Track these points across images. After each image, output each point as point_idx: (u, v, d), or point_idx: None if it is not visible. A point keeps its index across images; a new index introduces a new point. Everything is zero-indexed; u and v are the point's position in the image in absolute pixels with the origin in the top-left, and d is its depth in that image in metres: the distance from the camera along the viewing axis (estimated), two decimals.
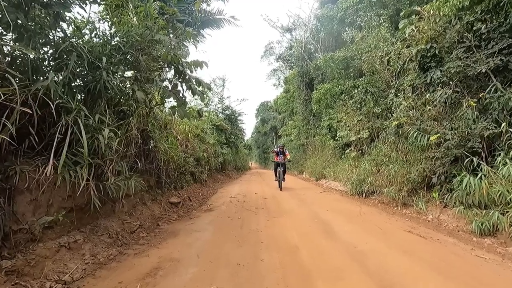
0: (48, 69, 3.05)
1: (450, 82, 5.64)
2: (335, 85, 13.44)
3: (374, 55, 9.34)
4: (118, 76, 3.57)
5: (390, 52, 8.73)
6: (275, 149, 11.21)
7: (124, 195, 3.94)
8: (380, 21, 10.01)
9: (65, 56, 2.96)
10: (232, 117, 21.37)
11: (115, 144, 3.38)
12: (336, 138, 12.29)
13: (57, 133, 2.70)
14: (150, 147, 4.75)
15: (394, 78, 8.88)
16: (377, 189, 7.94)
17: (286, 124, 26.84)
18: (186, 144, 9.56)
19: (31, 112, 2.43)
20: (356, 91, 10.94)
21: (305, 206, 6.64)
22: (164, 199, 6.17)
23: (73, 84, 3.32)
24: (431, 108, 6.23)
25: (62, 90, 2.86)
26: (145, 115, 5.02)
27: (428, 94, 6.17)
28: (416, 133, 5.82)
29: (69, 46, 3.01)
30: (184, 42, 12.78)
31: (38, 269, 2.50)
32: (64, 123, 2.75)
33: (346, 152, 11.36)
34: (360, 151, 10.62)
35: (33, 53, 2.64)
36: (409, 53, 6.77)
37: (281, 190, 9.73)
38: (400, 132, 7.03)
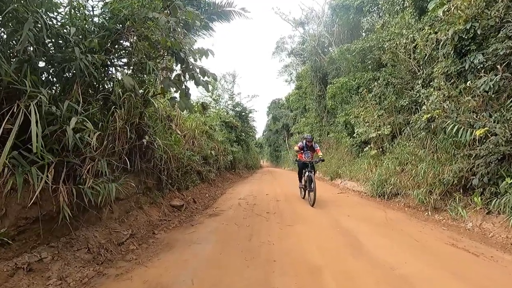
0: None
1: (498, 66, 4.75)
2: (352, 78, 12.59)
3: (397, 42, 8.45)
4: (99, 56, 2.90)
5: (417, 39, 7.82)
6: (300, 143, 7.67)
7: (112, 199, 3.30)
8: (404, 5, 9.08)
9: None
10: (242, 114, 20.65)
11: (94, 138, 2.74)
12: (354, 135, 11.44)
13: (4, 122, 2.07)
14: (145, 143, 4.12)
15: (421, 67, 7.98)
16: (401, 191, 7.12)
17: (298, 121, 26.04)
18: (193, 141, 8.95)
19: None
20: (376, 83, 10.06)
21: (323, 211, 5.88)
22: (165, 201, 5.54)
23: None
24: (470, 98, 5.35)
25: (19, 68, 2.24)
26: (140, 106, 4.40)
27: (469, 82, 5.28)
28: (456, 127, 4.95)
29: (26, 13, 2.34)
30: (191, 35, 12.22)
31: None
32: (15, 110, 2.12)
33: (364, 150, 10.52)
34: (381, 149, 9.75)
35: None
36: (444, 35, 5.88)
37: (312, 206, 6.45)
38: (432, 126, 6.16)
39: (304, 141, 7.51)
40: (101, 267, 2.77)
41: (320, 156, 7.22)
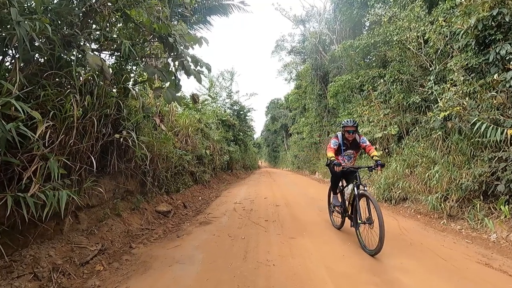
0: None
1: None
2: (355, 76, 11.99)
3: (408, 35, 7.85)
4: (44, 20, 2.21)
5: (429, 31, 7.22)
6: (333, 141, 4.18)
7: (62, 210, 2.57)
8: None
9: None
10: (241, 112, 19.98)
11: (40, 131, 2.09)
12: None
13: None
14: (121, 139, 3.45)
15: (433, 62, 7.37)
16: (410, 196, 6.56)
17: (298, 121, 25.47)
18: (186, 139, 8.29)
19: None
20: (381, 81, 9.48)
21: (328, 218, 5.21)
22: (150, 207, 4.89)
23: None
24: (495, 93, 4.75)
25: None
26: (120, 95, 3.75)
27: (495, 75, 4.68)
28: (485, 125, 4.33)
29: None
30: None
31: None
32: None
33: None
34: (386, 150, 9.16)
35: None
36: (463, 25, 5.28)
37: (374, 255, 3.25)
38: (449, 125, 5.55)
39: (341, 133, 4.19)
40: None
41: (376, 158, 3.91)
